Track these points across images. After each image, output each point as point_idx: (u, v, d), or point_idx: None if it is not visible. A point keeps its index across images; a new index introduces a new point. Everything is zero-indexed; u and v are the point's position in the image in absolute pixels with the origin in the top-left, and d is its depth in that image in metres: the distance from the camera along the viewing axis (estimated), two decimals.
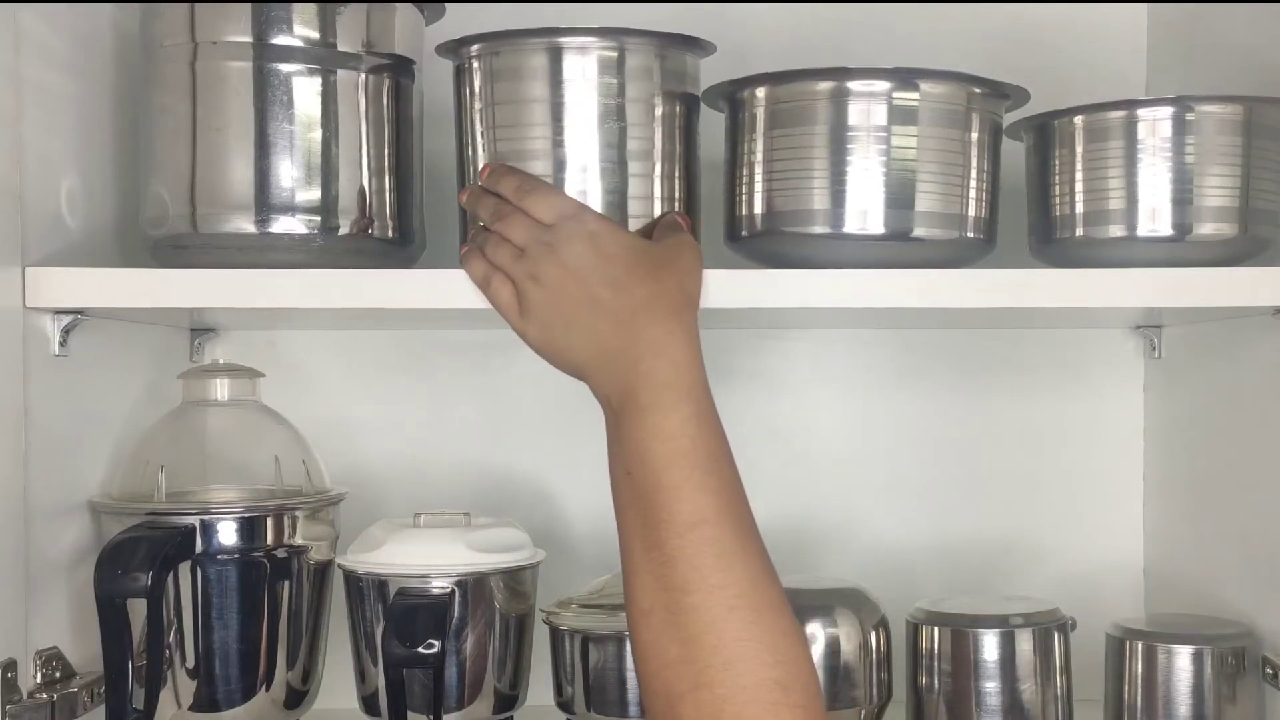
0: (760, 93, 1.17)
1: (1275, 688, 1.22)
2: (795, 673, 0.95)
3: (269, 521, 1.21)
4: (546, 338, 1.07)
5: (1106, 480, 1.55)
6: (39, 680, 1.12)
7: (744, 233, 1.18)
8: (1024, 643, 1.24)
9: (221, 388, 1.29)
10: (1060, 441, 1.55)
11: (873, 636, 1.25)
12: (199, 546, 1.18)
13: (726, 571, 0.97)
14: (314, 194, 1.14)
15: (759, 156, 1.17)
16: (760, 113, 1.17)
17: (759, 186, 1.17)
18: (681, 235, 1.11)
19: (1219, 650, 1.23)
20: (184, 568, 1.17)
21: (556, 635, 1.27)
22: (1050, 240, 1.21)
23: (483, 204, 1.12)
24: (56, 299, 1.14)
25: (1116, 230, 1.17)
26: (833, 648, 1.24)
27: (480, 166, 1.15)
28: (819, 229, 1.14)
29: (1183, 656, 1.24)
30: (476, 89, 1.17)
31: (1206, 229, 1.16)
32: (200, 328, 1.48)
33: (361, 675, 1.25)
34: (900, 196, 1.13)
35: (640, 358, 1.03)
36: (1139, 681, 1.25)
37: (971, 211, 1.16)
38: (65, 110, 1.21)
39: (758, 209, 1.17)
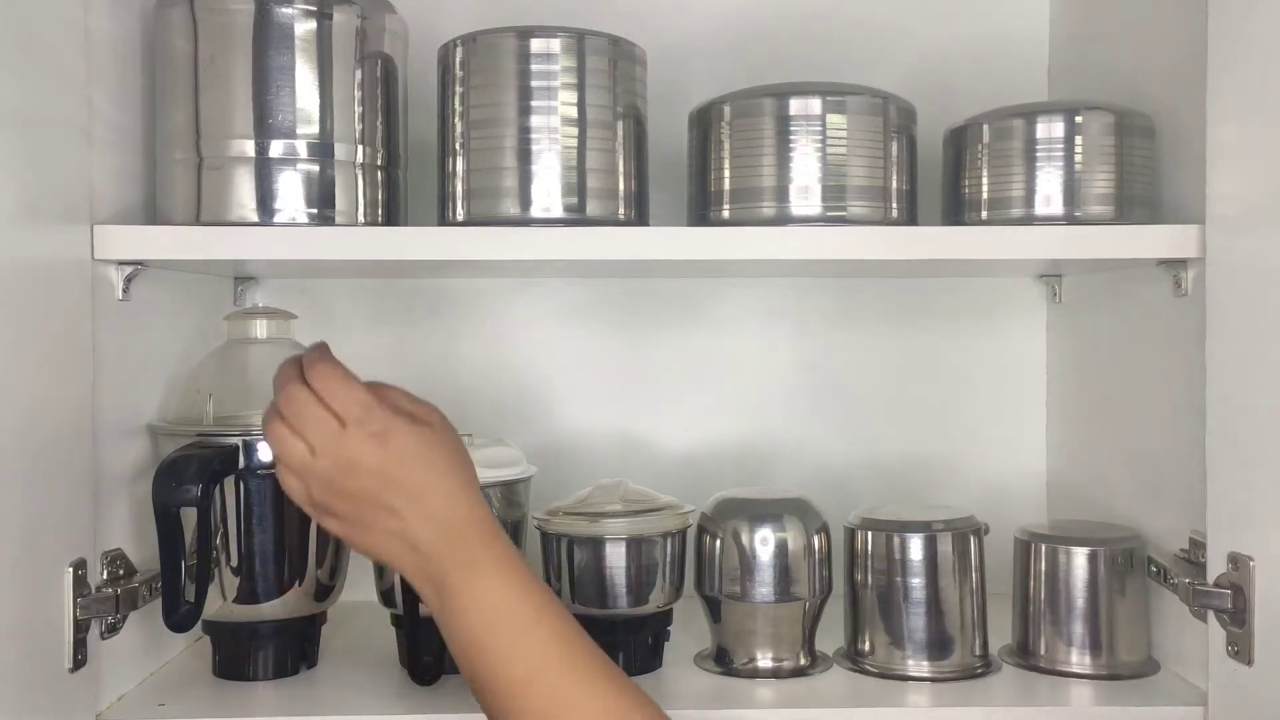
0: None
1: (1158, 583, 1.24)
2: None
3: None
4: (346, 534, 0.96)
5: (1015, 406, 1.57)
6: (105, 576, 1.13)
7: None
8: (944, 545, 1.24)
9: (261, 327, 1.28)
10: (976, 374, 1.57)
11: (815, 539, 1.25)
12: (241, 462, 1.18)
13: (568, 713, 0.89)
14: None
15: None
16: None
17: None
18: (430, 414, 0.98)
19: (1110, 551, 1.25)
20: (228, 481, 1.18)
21: (546, 538, 1.26)
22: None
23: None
24: (120, 252, 1.14)
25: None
26: (781, 549, 1.23)
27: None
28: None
29: (1079, 556, 1.25)
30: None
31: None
32: (242, 276, 1.48)
33: (380, 572, 1.26)
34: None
35: (441, 553, 0.93)
36: (1042, 578, 1.27)
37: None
38: (128, 73, 1.20)
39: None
